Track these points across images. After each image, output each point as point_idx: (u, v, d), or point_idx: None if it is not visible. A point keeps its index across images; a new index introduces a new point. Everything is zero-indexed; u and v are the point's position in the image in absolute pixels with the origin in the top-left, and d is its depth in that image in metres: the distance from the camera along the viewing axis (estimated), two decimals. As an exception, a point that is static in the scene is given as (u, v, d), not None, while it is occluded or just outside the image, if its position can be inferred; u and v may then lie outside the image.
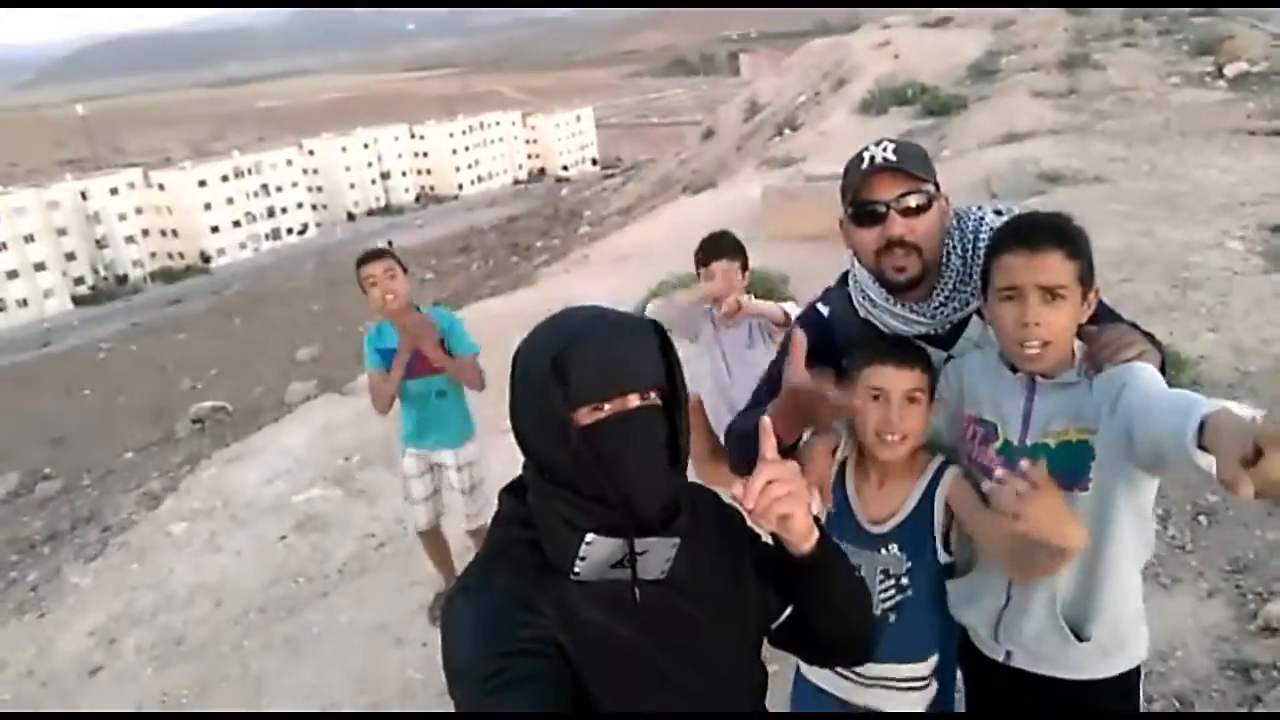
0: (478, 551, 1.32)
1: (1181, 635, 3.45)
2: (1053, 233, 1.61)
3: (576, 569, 1.20)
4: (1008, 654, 1.82)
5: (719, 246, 3.20)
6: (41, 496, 13.61)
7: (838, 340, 1.96)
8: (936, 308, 1.84)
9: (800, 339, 1.76)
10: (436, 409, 3.96)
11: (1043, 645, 1.75)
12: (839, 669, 1.98)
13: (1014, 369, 1.72)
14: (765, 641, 1.47)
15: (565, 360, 1.18)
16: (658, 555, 1.22)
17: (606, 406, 1.20)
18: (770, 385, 2.01)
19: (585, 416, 1.19)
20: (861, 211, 1.79)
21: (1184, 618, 3.54)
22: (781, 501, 1.21)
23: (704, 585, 1.31)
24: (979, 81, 20.31)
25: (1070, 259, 1.59)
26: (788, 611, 1.43)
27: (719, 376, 3.29)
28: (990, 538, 1.75)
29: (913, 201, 1.75)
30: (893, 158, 1.74)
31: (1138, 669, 1.80)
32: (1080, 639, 1.72)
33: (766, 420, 1.28)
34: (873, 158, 1.76)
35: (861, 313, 1.92)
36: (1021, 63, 20.88)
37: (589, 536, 1.18)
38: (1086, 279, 1.62)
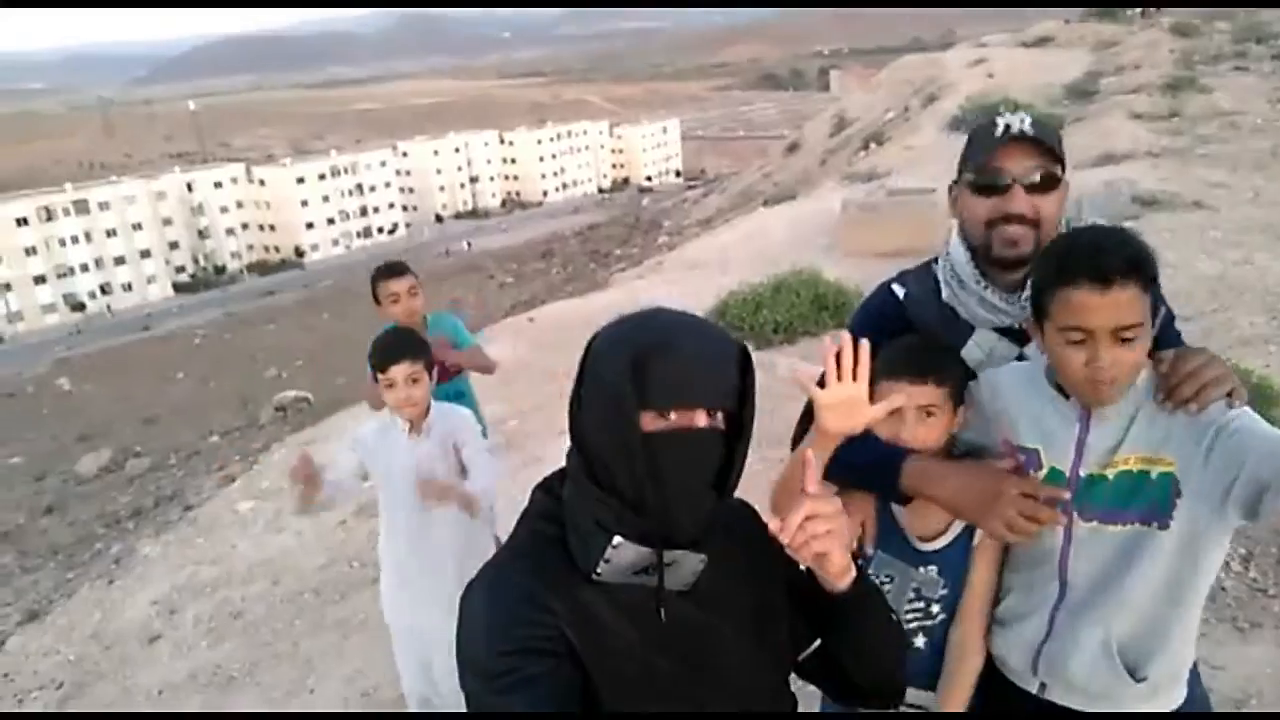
0: (502, 544, 1.32)
1: (1258, 683, 3.25)
2: (1126, 262, 1.40)
3: (599, 570, 1.19)
4: (1042, 686, 1.72)
5: (398, 348, 2.85)
6: (131, 473, 14.24)
7: (914, 323, 1.85)
8: (1026, 298, 1.68)
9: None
10: None
11: (1092, 683, 1.64)
12: None
13: (1065, 394, 1.57)
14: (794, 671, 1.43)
15: (646, 360, 1.16)
16: (684, 568, 1.21)
17: (673, 416, 1.17)
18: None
19: (649, 422, 1.17)
20: (983, 181, 1.68)
21: (1262, 664, 3.34)
22: (819, 539, 1.17)
23: (729, 602, 1.28)
24: (1076, 102, 19.71)
25: (1144, 291, 1.42)
26: (816, 643, 1.38)
27: (407, 504, 2.90)
28: (971, 592, 1.75)
29: (1040, 177, 1.65)
30: (1030, 130, 1.64)
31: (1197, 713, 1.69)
32: (1135, 679, 1.60)
33: (809, 453, 1.24)
34: (1009, 125, 1.65)
35: (945, 293, 1.80)
36: (1122, 84, 20.21)
37: (616, 540, 1.17)
38: (1156, 304, 1.46)
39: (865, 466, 1.70)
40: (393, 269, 3.83)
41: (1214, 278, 7.26)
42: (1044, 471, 1.63)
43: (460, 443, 3.02)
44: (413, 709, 3.24)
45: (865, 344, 1.44)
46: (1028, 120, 1.66)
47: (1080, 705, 1.68)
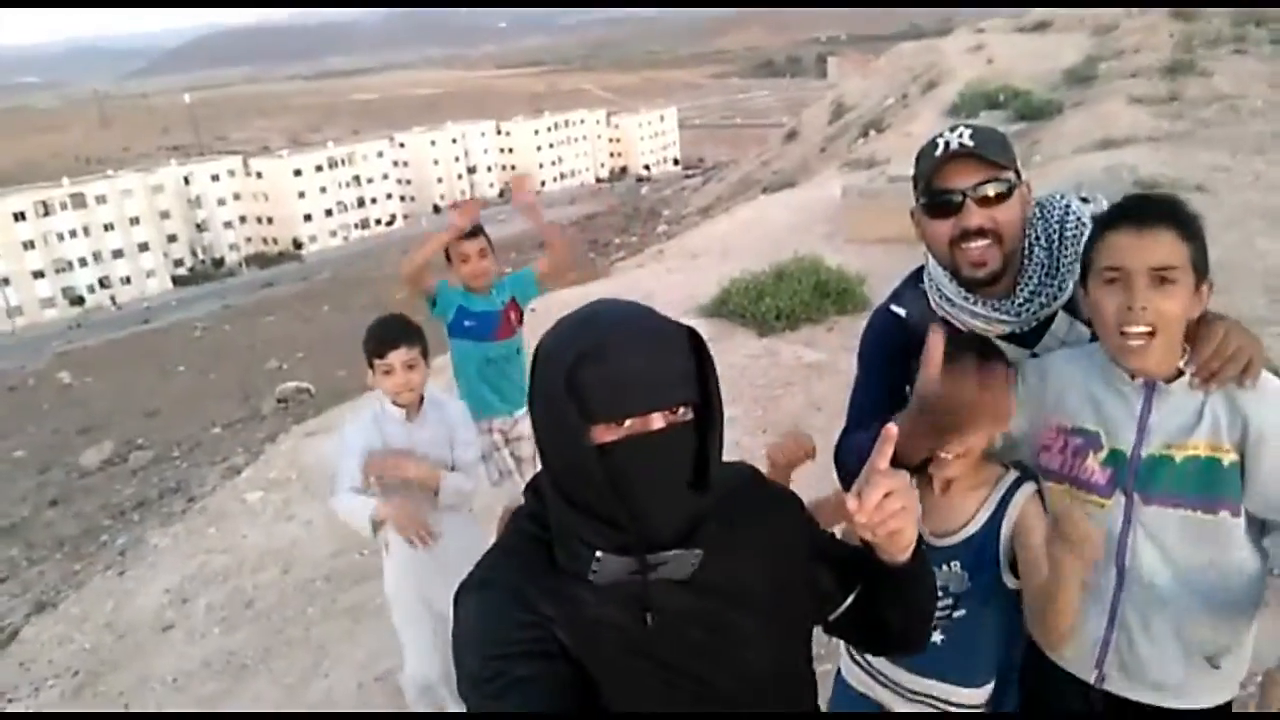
0: (493, 543, 1.29)
1: (1265, 662, 3.27)
2: (1166, 211, 1.49)
3: (590, 578, 1.15)
4: (1100, 677, 1.70)
5: (394, 334, 2.87)
6: (134, 465, 14.26)
7: (918, 342, 1.85)
8: (1021, 304, 1.72)
9: (939, 337, 1.56)
10: (514, 367, 4.00)
11: (1167, 675, 1.63)
12: (882, 680, 1.93)
13: (1132, 374, 1.57)
14: (819, 632, 1.42)
15: (581, 373, 1.08)
16: (679, 564, 1.16)
17: (627, 423, 1.10)
18: (872, 395, 1.88)
19: (603, 434, 1.10)
20: (935, 201, 1.69)
21: (1272, 646, 3.36)
22: (896, 516, 1.16)
23: (737, 585, 1.23)
24: (1075, 87, 19.68)
25: (1184, 240, 1.46)
26: (848, 602, 1.36)
27: (410, 485, 2.92)
28: (1039, 574, 1.67)
29: (991, 190, 1.64)
30: (969, 143, 1.64)
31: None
32: (1213, 667, 1.62)
33: (892, 427, 1.19)
34: (948, 143, 1.66)
35: (939, 312, 1.80)
36: (1122, 68, 20.15)
37: (598, 554, 1.13)
38: (1200, 267, 1.49)
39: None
40: (466, 230, 3.84)
41: (1215, 261, 7.22)
42: (1104, 453, 1.61)
43: (456, 438, 3.05)
44: (409, 695, 3.27)
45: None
46: (966, 134, 1.66)
47: (1141, 697, 1.67)
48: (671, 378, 1.11)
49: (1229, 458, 1.51)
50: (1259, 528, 1.57)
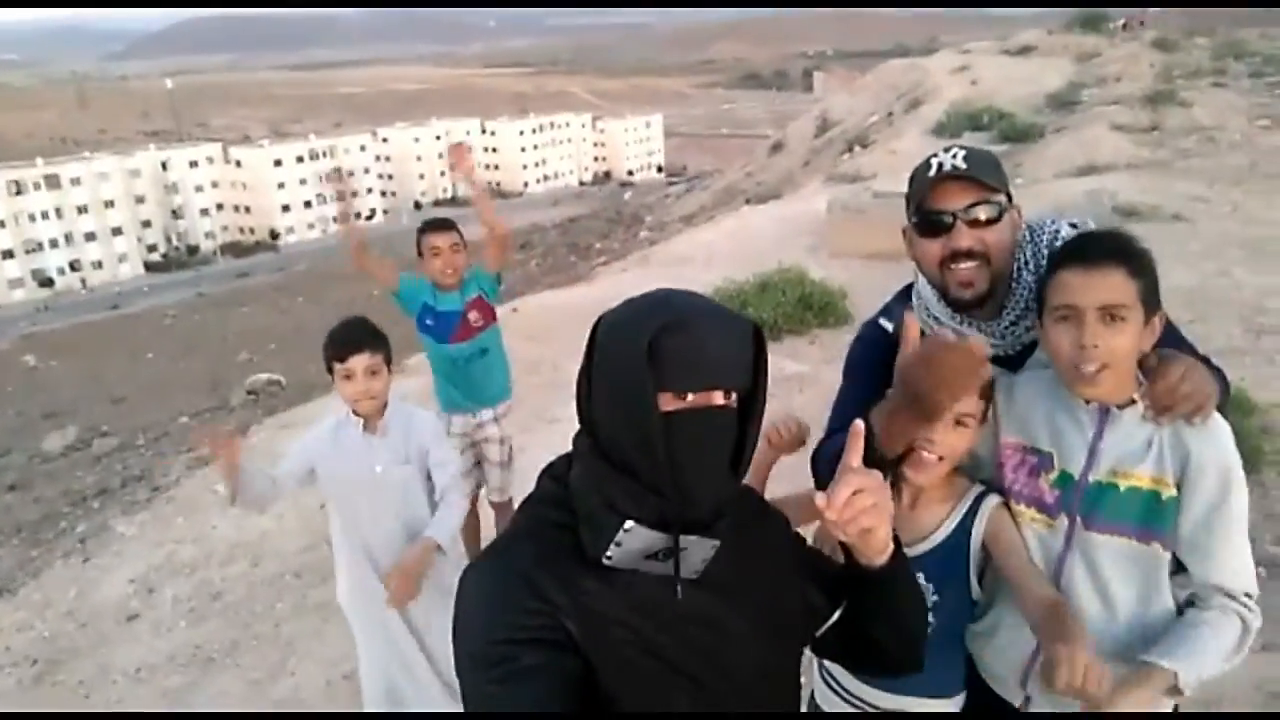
0: (503, 529, 1.28)
1: (1227, 688, 3.29)
2: (1113, 249, 1.51)
3: (609, 554, 1.16)
4: (1026, 699, 1.73)
5: (356, 338, 2.76)
6: (97, 452, 13.99)
7: None
8: (1007, 327, 1.74)
9: (913, 321, 1.61)
10: (479, 368, 3.96)
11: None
12: (854, 700, 1.91)
13: (1087, 399, 1.61)
14: (806, 649, 1.42)
15: (664, 342, 1.13)
16: (695, 555, 1.18)
17: (690, 397, 1.15)
18: (855, 403, 1.83)
19: (668, 402, 1.15)
20: (927, 221, 1.70)
21: (1233, 671, 3.38)
22: (867, 514, 1.16)
23: (739, 588, 1.26)
24: (1058, 111, 19.98)
25: (1132, 277, 1.49)
26: (834, 617, 1.37)
27: (364, 498, 2.86)
28: (1023, 588, 1.66)
29: (982, 214, 1.66)
30: (963, 165, 1.65)
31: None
32: None
33: (859, 424, 1.21)
34: (941, 164, 1.67)
35: (927, 331, 1.80)
36: (1104, 96, 20.48)
37: (628, 524, 1.14)
38: (1150, 302, 1.51)
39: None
40: (437, 224, 3.83)
41: (1190, 289, 7.37)
42: (1054, 474, 1.64)
43: (431, 458, 2.94)
44: (366, 702, 3.20)
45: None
46: (960, 155, 1.67)
47: (1068, 708, 1.65)
48: (738, 361, 1.18)
49: (1168, 492, 1.55)
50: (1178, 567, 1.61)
